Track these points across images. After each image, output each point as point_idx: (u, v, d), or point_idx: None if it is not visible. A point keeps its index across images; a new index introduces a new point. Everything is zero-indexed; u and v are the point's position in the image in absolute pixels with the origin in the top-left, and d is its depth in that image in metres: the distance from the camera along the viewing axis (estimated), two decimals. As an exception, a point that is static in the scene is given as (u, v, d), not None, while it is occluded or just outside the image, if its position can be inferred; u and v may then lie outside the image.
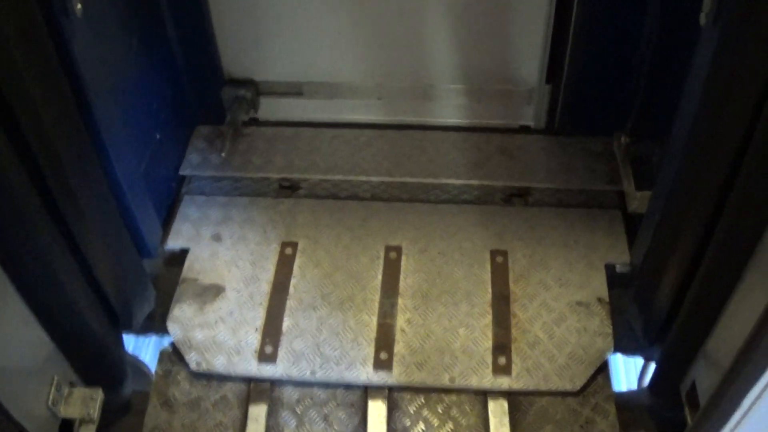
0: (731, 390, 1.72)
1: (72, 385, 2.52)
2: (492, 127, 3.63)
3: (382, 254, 3.16)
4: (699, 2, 2.15)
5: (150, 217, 3.04)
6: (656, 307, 2.62)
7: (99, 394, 2.51)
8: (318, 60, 3.52)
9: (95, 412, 2.49)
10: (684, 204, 2.32)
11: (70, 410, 2.47)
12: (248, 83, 3.59)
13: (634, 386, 3.55)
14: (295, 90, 3.62)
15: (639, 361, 3.42)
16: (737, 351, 1.73)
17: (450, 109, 3.61)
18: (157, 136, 3.21)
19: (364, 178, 3.45)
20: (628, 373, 3.75)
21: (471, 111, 3.61)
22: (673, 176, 2.37)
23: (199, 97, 3.59)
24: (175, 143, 3.48)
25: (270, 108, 3.70)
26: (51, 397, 2.37)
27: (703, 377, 2.41)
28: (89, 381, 2.61)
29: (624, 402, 2.84)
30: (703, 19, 2.12)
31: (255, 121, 3.73)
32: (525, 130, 3.63)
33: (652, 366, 3.22)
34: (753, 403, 1.61)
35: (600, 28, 3.12)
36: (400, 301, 3.01)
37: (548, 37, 3.29)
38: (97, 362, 2.64)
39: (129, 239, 2.80)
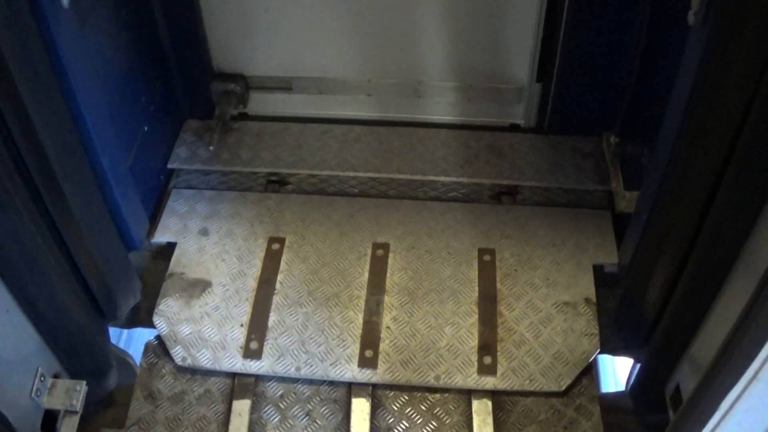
0: (710, 391, 1.71)
1: (56, 376, 2.51)
2: (482, 125, 3.63)
3: (369, 251, 3.16)
4: (687, 2, 2.14)
5: (136, 209, 3.03)
6: (644, 308, 2.62)
7: (83, 386, 2.51)
8: (308, 55, 3.51)
9: (78, 403, 2.49)
10: (672, 204, 2.32)
11: (54, 401, 2.47)
12: (238, 78, 3.58)
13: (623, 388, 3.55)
14: (284, 85, 3.61)
15: (629, 362, 3.41)
16: (716, 352, 1.72)
17: (440, 106, 3.61)
18: (146, 129, 3.20)
19: (352, 173, 3.44)
20: (619, 374, 3.76)
21: (461, 108, 3.60)
22: (661, 176, 2.37)
23: (188, 91, 3.58)
24: (163, 136, 3.47)
25: (259, 102, 3.68)
26: (34, 387, 2.37)
27: (688, 380, 2.41)
28: (74, 372, 2.61)
29: (609, 404, 2.83)
30: (691, 19, 2.12)
31: (244, 116, 3.71)
32: (515, 128, 3.63)
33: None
34: (732, 405, 1.61)
35: (590, 27, 3.12)
36: (386, 298, 3.00)
37: (539, 36, 3.28)
38: (82, 354, 2.64)
39: (115, 231, 2.80)
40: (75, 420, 2.49)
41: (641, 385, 2.76)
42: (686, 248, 2.30)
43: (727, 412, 1.63)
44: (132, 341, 3.81)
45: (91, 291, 2.68)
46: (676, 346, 2.45)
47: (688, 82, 2.14)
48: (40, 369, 2.39)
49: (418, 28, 3.37)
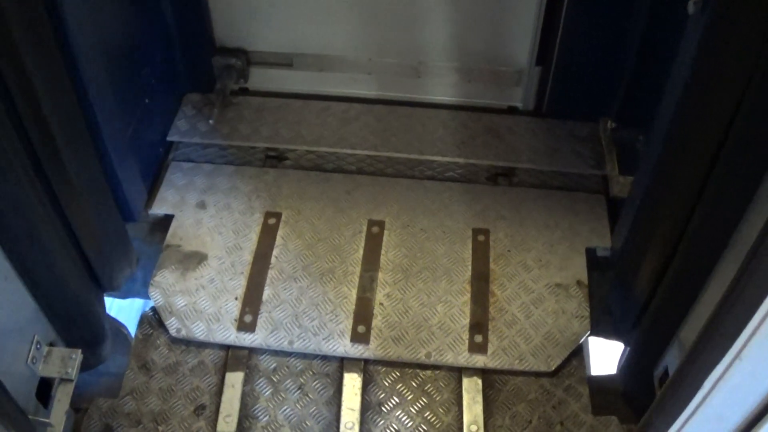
0: (694, 369, 1.74)
1: (52, 344, 2.53)
2: (480, 107, 3.64)
3: (364, 228, 3.18)
4: (687, -7, 2.16)
5: (135, 181, 3.06)
6: (635, 292, 2.64)
7: (78, 354, 2.52)
8: (310, 32, 3.52)
9: (74, 371, 2.49)
10: (664, 190, 2.35)
11: (49, 369, 2.48)
12: (239, 52, 3.60)
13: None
14: (285, 61, 3.62)
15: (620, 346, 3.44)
16: (700, 331, 1.75)
17: (439, 86, 3.62)
18: (146, 101, 3.21)
19: (350, 151, 3.47)
20: (609, 358, 3.77)
21: (460, 89, 3.61)
22: (655, 162, 2.39)
23: (189, 65, 3.59)
24: (163, 109, 3.49)
25: (260, 78, 3.70)
26: (30, 355, 2.38)
27: (676, 363, 2.42)
28: (69, 341, 2.62)
29: (598, 385, 2.86)
30: (691, 8, 2.14)
31: (245, 91, 3.73)
32: (513, 111, 3.64)
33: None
34: (714, 384, 1.63)
35: (591, 12, 3.13)
36: (380, 275, 3.03)
37: (540, 19, 3.29)
38: (78, 322, 2.65)
39: (113, 202, 2.82)
40: (70, 388, 2.50)
41: (630, 368, 2.78)
42: (677, 234, 2.32)
43: (710, 390, 1.65)
44: (125, 313, 3.84)
45: (88, 260, 2.70)
46: (665, 330, 2.47)
47: (685, 70, 2.15)
48: (36, 337, 2.41)
49: (420, 8, 3.38)
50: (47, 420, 2.40)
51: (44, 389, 2.48)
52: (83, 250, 2.66)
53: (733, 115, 1.97)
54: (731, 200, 2.06)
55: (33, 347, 2.40)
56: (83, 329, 2.69)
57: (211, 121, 3.48)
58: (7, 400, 2.02)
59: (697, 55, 2.07)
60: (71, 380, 2.51)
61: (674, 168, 2.28)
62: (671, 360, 2.48)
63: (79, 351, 2.53)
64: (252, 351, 2.88)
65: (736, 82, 1.94)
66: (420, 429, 2.70)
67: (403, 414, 2.73)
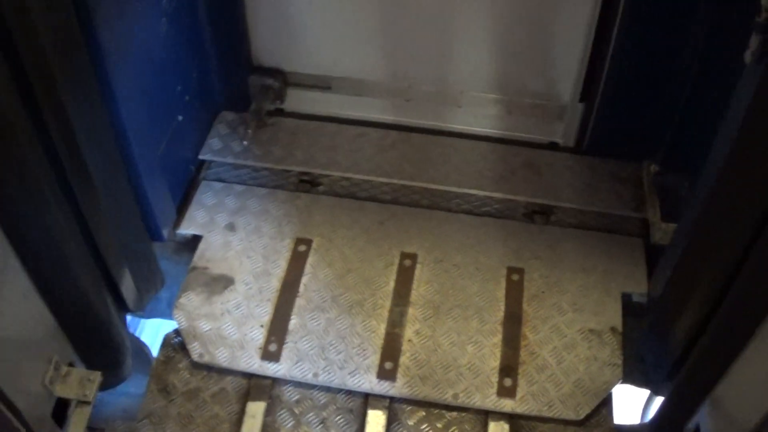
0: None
1: (71, 364, 2.47)
2: (520, 141, 3.57)
3: (396, 260, 3.11)
4: (743, 39, 2.08)
5: (164, 199, 3.01)
6: (671, 343, 2.56)
7: (97, 377, 2.47)
8: (349, 55, 3.47)
9: (92, 394, 2.44)
10: (711, 242, 2.27)
11: (67, 390, 2.42)
12: (276, 73, 3.54)
13: (635, 417, 3.50)
14: (323, 84, 3.57)
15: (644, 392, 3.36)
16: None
17: (479, 118, 3.55)
18: (180, 118, 3.16)
19: (385, 179, 3.40)
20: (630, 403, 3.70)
21: (500, 122, 3.54)
22: (702, 211, 2.31)
23: (225, 83, 3.54)
24: (197, 127, 3.44)
25: (296, 99, 3.64)
26: (48, 375, 2.33)
27: (709, 422, 2.35)
28: (89, 361, 2.57)
29: (625, 435, 2.78)
30: (748, 57, 2.06)
31: (280, 112, 3.67)
32: (553, 146, 3.56)
33: (656, 400, 3.16)
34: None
35: (640, 50, 3.05)
36: (410, 310, 2.96)
37: (586, 54, 3.22)
38: (99, 343, 2.60)
39: (140, 221, 2.78)
40: (87, 410, 2.45)
41: (661, 421, 2.70)
42: (721, 287, 2.24)
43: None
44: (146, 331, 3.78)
45: (112, 279, 2.65)
46: (700, 387, 2.39)
47: (738, 120, 2.08)
48: (55, 356, 2.36)
49: (462, 36, 3.32)
50: (62, 444, 2.35)
51: (61, 409, 2.43)
52: (108, 270, 2.60)
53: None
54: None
55: (51, 367, 2.35)
56: (104, 349, 2.64)
57: (245, 142, 3.43)
58: (19, 423, 1.98)
59: (753, 106, 2.00)
60: (89, 403, 2.45)
61: (722, 219, 2.20)
62: (703, 418, 2.39)
63: (98, 373, 2.48)
64: (275, 381, 2.81)
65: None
66: (443, 472, 2.64)
67: (426, 455, 2.67)
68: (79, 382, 2.44)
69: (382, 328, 2.90)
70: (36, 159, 2.04)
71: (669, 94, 3.10)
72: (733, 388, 2.22)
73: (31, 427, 2.09)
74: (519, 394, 2.75)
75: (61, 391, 2.41)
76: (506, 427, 2.71)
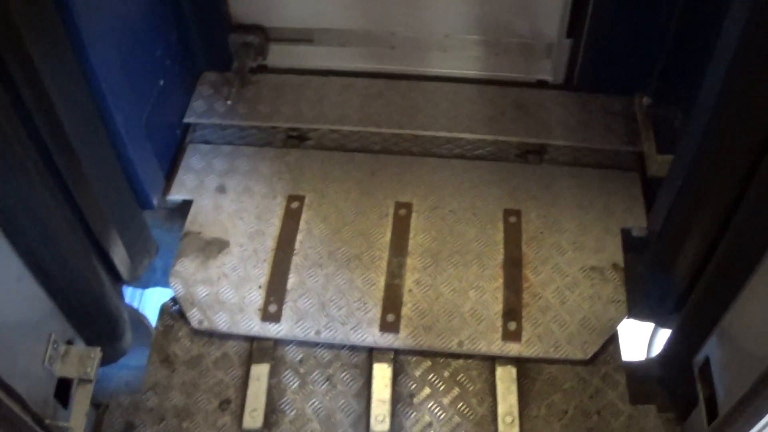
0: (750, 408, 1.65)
1: (69, 342, 2.43)
2: (508, 81, 3.51)
3: (391, 211, 3.08)
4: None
5: (152, 167, 2.96)
6: (675, 276, 2.55)
7: (97, 353, 2.43)
8: (330, 5, 3.40)
9: (93, 371, 2.41)
10: (710, 172, 2.24)
11: (67, 369, 2.39)
12: (256, 29, 3.47)
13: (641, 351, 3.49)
14: (305, 36, 3.50)
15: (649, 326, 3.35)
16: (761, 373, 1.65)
17: (465, 60, 3.49)
18: (161, 83, 3.10)
19: (374, 129, 3.35)
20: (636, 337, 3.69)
21: (487, 63, 3.49)
22: (699, 143, 2.27)
23: (205, 43, 3.47)
24: (180, 90, 3.38)
25: (279, 55, 3.57)
26: (47, 355, 2.29)
27: (717, 353, 2.33)
28: (87, 336, 2.54)
29: (633, 372, 2.77)
30: (738, -17, 2.02)
31: (263, 68, 3.60)
32: (542, 84, 3.51)
33: (662, 333, 3.15)
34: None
35: (625, -18, 3.00)
36: (408, 260, 2.93)
37: (571, -12, 3.16)
38: (96, 318, 2.57)
39: (129, 190, 2.74)
40: (89, 388, 2.42)
41: (668, 355, 2.69)
42: (723, 218, 2.23)
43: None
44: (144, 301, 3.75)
45: (104, 252, 2.62)
46: (707, 318, 2.36)
47: (729, 49, 2.04)
48: (53, 336, 2.31)
49: (444, -22, 3.25)
50: (67, 425, 2.31)
51: (63, 388, 2.40)
52: (99, 243, 2.57)
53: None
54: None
55: (50, 347, 2.31)
56: (102, 324, 2.61)
57: (229, 102, 3.36)
58: (21, 408, 1.95)
59: (745, 31, 1.96)
60: (90, 380, 2.42)
61: (721, 149, 2.17)
62: (712, 349, 2.37)
63: (98, 350, 2.45)
64: (277, 342, 2.79)
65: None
66: (453, 421, 2.62)
67: (435, 405, 2.65)
68: (79, 360, 2.41)
69: (381, 281, 2.87)
70: (15, 135, 1.99)
71: (657, 26, 3.05)
72: (741, 319, 2.19)
73: (34, 411, 2.06)
74: (524, 337, 2.73)
75: (62, 370, 2.37)
76: (513, 371, 2.69)
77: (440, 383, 2.69)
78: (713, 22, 2.31)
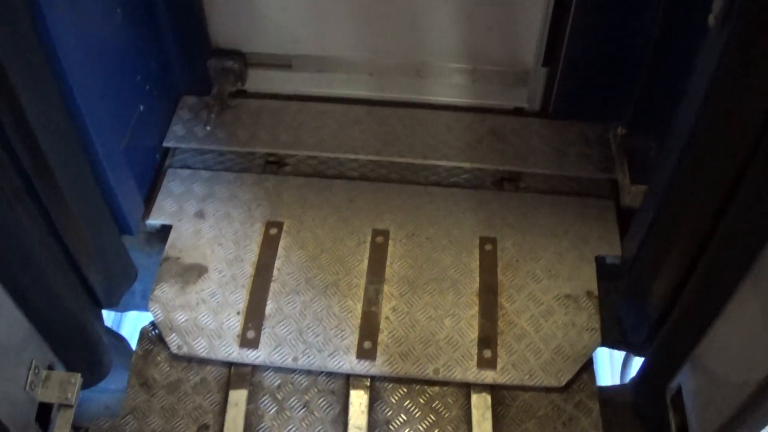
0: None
1: (50, 367, 2.45)
2: (485, 108, 3.55)
3: (368, 238, 3.10)
4: (706, 1, 2.08)
5: (131, 192, 2.97)
6: (649, 305, 2.58)
7: (77, 378, 2.45)
8: (308, 32, 3.43)
9: (74, 396, 2.42)
10: (682, 203, 2.28)
11: (48, 394, 2.40)
12: (236, 54, 3.50)
13: (615, 377, 3.52)
14: (284, 62, 3.53)
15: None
16: (746, 396, 1.68)
17: (443, 87, 3.53)
18: (141, 108, 3.11)
19: (352, 156, 3.37)
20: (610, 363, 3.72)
21: (464, 90, 3.52)
22: (672, 174, 2.32)
23: (185, 68, 3.49)
24: (159, 115, 3.39)
25: (258, 80, 3.60)
26: (29, 380, 2.31)
27: (690, 382, 2.36)
28: (68, 361, 2.55)
29: (607, 397, 2.80)
30: (711, 21, 2.06)
31: (242, 93, 3.63)
32: (519, 111, 3.55)
33: (636, 360, 3.18)
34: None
35: (601, 13, 3.03)
36: (385, 287, 2.95)
37: (547, 18, 3.19)
38: (77, 343, 2.58)
39: (109, 216, 2.75)
40: (70, 414, 2.43)
41: (642, 383, 2.72)
42: (696, 249, 2.25)
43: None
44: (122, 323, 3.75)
45: (84, 278, 2.62)
46: (681, 347, 2.39)
47: (703, 82, 2.09)
48: (34, 361, 2.33)
49: (422, 6, 3.29)
50: (47, 450, 2.33)
51: (44, 412, 2.41)
52: (79, 268, 2.58)
53: (761, 129, 1.90)
54: (758, 218, 1.98)
55: (31, 372, 2.33)
56: (82, 348, 2.62)
57: (208, 127, 3.38)
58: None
59: (718, 67, 2.00)
60: (71, 405, 2.43)
61: (694, 181, 2.21)
62: (685, 378, 2.41)
63: (78, 375, 2.46)
64: (255, 367, 2.81)
65: (762, 96, 1.87)
66: (429, 448, 2.64)
67: (411, 432, 2.67)
68: (60, 385, 2.42)
69: (358, 308, 2.89)
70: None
71: (633, 57, 3.08)
72: (714, 349, 2.23)
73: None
74: (499, 364, 2.75)
75: (43, 395, 2.39)
76: (488, 398, 2.71)
77: (416, 410, 2.71)
78: (688, 54, 2.35)
